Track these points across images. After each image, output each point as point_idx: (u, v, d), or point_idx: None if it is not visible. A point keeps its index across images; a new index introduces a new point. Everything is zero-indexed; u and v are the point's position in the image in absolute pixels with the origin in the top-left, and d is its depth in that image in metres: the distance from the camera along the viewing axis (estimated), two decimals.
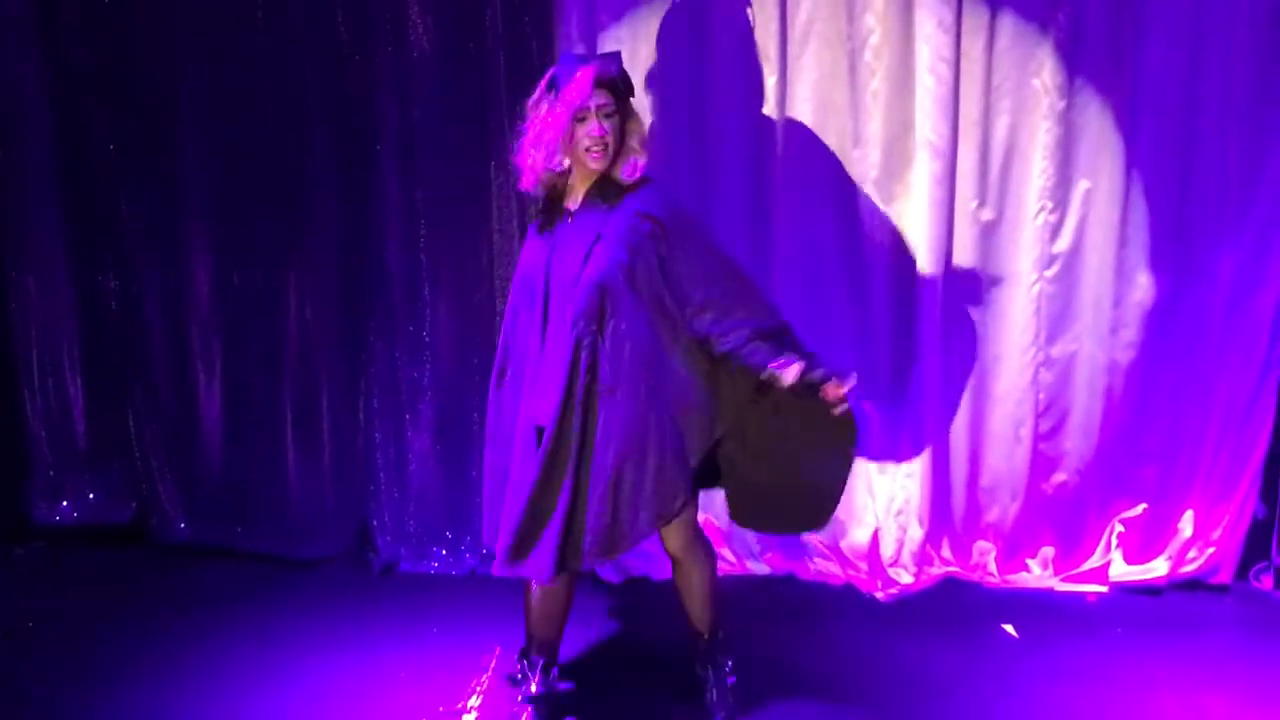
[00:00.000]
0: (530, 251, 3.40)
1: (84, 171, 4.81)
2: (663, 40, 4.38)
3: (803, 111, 4.43)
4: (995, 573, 4.65)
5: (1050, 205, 4.41)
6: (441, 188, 4.58)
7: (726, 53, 4.40)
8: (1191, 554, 4.60)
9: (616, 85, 3.28)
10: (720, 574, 4.35)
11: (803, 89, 4.41)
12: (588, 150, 3.24)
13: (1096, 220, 4.41)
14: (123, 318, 4.91)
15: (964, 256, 4.47)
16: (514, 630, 3.67)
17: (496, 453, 3.45)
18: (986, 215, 4.45)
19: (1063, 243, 4.44)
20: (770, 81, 4.39)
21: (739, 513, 3.57)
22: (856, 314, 4.56)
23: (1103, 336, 4.49)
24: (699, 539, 3.54)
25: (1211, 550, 4.58)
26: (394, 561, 4.82)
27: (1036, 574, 4.66)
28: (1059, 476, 4.63)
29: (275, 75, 4.58)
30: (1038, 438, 4.59)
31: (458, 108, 4.50)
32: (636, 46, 4.37)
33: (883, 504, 4.67)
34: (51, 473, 5.07)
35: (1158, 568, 4.61)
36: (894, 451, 4.63)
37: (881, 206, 4.45)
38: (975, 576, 4.66)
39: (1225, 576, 4.61)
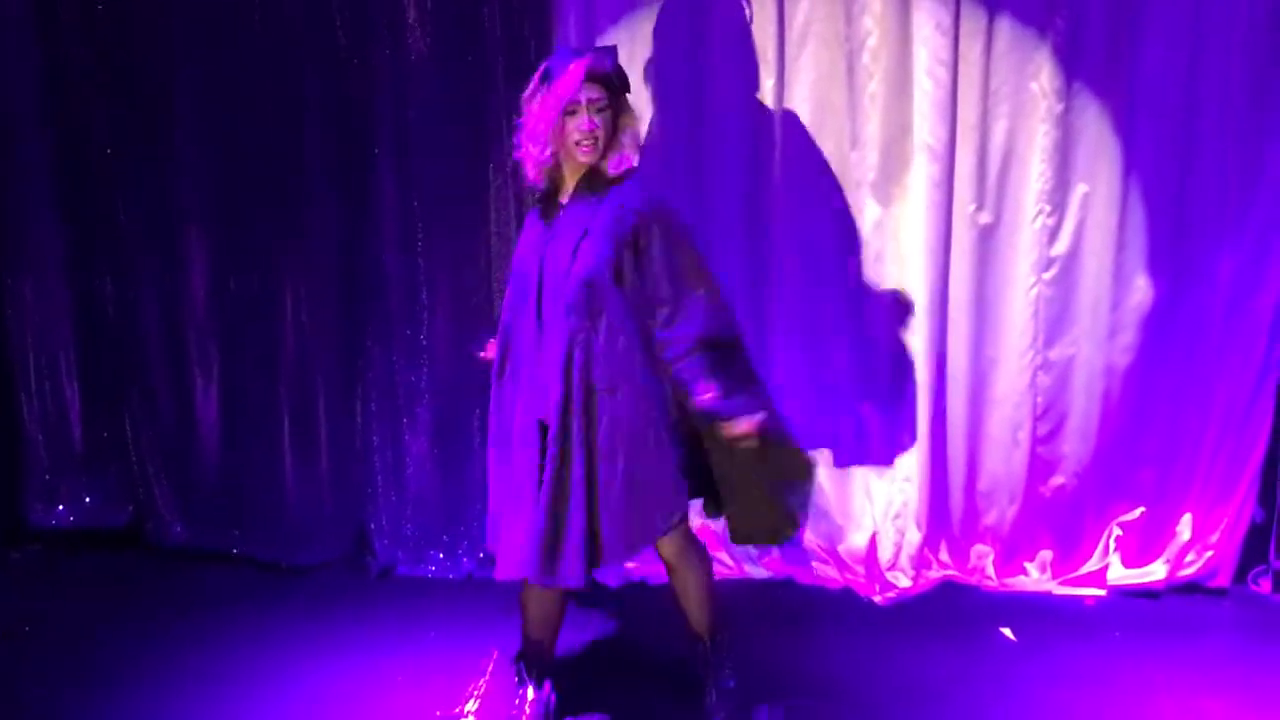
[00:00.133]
0: (525, 243, 3.39)
1: (81, 175, 4.80)
2: (661, 42, 4.38)
3: (800, 113, 4.43)
4: (993, 576, 4.65)
5: (1048, 208, 4.41)
6: (439, 191, 4.58)
7: (724, 54, 4.40)
8: (1189, 557, 4.60)
9: (610, 79, 3.26)
10: (718, 578, 4.34)
11: (800, 91, 4.42)
12: (577, 144, 3.24)
13: (1095, 224, 4.41)
14: (119, 321, 4.90)
15: (962, 260, 4.47)
16: (511, 634, 3.66)
17: (500, 450, 3.43)
18: (984, 218, 4.45)
19: (1061, 246, 4.44)
20: (768, 83, 4.39)
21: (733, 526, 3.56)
22: (854, 317, 4.56)
23: (1101, 340, 4.49)
24: (692, 543, 3.53)
25: (1210, 553, 4.58)
26: (391, 565, 4.82)
27: (1034, 577, 4.66)
28: (1057, 480, 4.62)
29: (273, 78, 4.58)
30: (1036, 441, 4.59)
31: (456, 110, 4.50)
32: (635, 48, 4.37)
33: (880, 508, 4.67)
34: (48, 476, 5.06)
35: (1156, 571, 4.60)
36: (892, 455, 4.63)
37: (879, 209, 4.45)
38: (973, 580, 4.66)
39: (1223, 580, 4.60)
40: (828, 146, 4.45)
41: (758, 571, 4.71)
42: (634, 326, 3.24)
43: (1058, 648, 4.13)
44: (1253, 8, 4.23)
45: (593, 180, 3.30)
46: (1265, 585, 4.61)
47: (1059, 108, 4.32)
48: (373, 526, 4.85)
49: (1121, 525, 4.62)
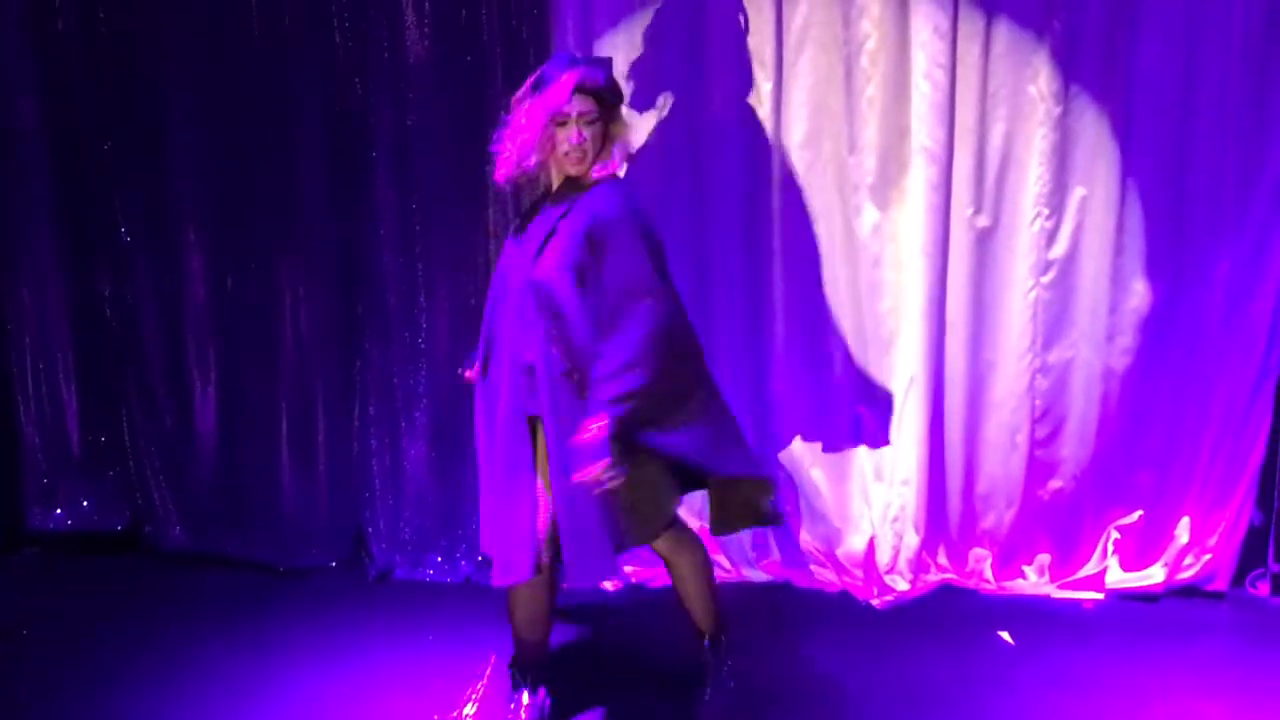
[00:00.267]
0: (508, 244, 3.41)
1: (79, 178, 4.80)
2: (659, 45, 4.38)
3: (798, 116, 4.43)
4: (991, 580, 4.65)
5: (1046, 212, 4.41)
6: (438, 193, 4.58)
7: (722, 57, 4.40)
8: (1188, 560, 4.59)
9: (602, 92, 3.25)
10: (718, 581, 4.35)
11: (798, 94, 4.42)
12: (566, 155, 3.24)
13: (1093, 227, 4.41)
14: (117, 325, 4.90)
15: (960, 263, 4.47)
16: (508, 638, 3.66)
17: (487, 450, 3.43)
18: (983, 222, 4.45)
19: (1059, 249, 4.44)
20: (766, 87, 4.39)
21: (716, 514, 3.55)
22: (853, 319, 4.56)
23: (1099, 343, 4.49)
24: (685, 533, 3.54)
25: (1208, 557, 4.58)
26: (389, 569, 4.81)
27: (1032, 581, 4.65)
28: (1055, 483, 4.62)
29: (271, 81, 4.58)
30: (1034, 444, 4.59)
31: (454, 114, 4.50)
32: (632, 52, 4.38)
33: (879, 511, 4.66)
34: (46, 479, 5.06)
35: (1154, 574, 4.60)
36: (890, 458, 4.62)
37: (877, 212, 4.45)
38: (971, 584, 4.65)
39: (1222, 583, 4.60)
40: (826, 149, 4.45)
41: (756, 575, 4.71)
42: (591, 331, 3.21)
43: (1056, 651, 4.13)
44: (1249, 10, 4.23)
45: (571, 183, 3.31)
46: (1263, 588, 4.60)
47: (1057, 111, 4.32)
48: (370, 530, 4.85)
49: (1120, 528, 4.62)
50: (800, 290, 4.53)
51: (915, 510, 4.62)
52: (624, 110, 3.39)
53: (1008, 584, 4.65)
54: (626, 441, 3.15)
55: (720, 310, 4.55)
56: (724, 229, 4.50)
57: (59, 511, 5.06)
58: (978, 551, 4.70)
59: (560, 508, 3.23)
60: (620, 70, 4.35)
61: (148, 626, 4.34)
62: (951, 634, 4.27)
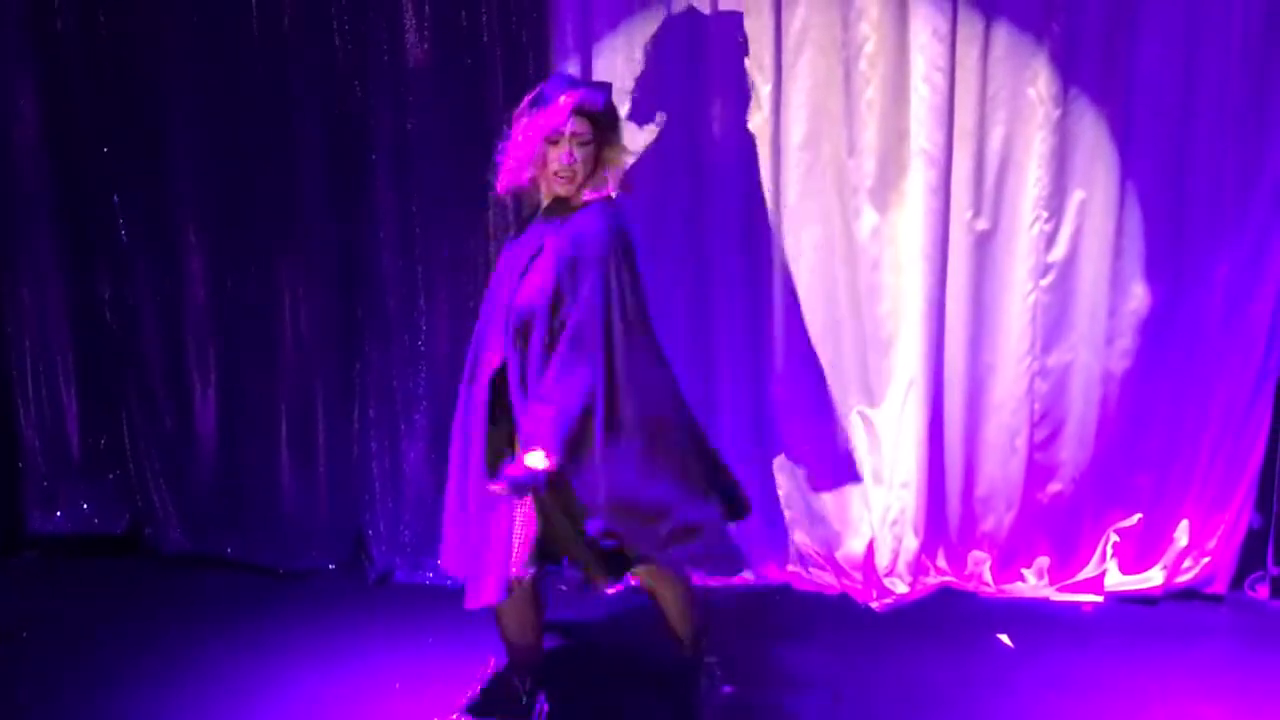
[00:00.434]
0: (501, 261, 3.45)
1: (78, 180, 4.80)
2: (658, 48, 4.38)
3: (797, 119, 4.43)
4: (991, 582, 4.65)
5: (1045, 215, 4.41)
6: (437, 195, 4.58)
7: (722, 60, 4.40)
8: (1187, 563, 4.59)
9: (599, 116, 3.28)
10: (716, 584, 4.36)
11: (797, 97, 4.42)
12: (555, 174, 3.27)
13: (1092, 230, 4.41)
14: (117, 327, 4.90)
15: (959, 266, 4.47)
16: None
17: (460, 459, 3.43)
18: (982, 225, 4.45)
19: (1058, 252, 4.44)
20: (765, 89, 4.39)
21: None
22: (852, 322, 4.56)
23: (1098, 346, 4.49)
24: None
25: (1207, 560, 4.57)
26: (389, 571, 4.81)
27: (1032, 584, 4.65)
28: (1054, 486, 4.62)
29: (271, 83, 4.58)
30: (1033, 447, 4.59)
31: (454, 116, 4.50)
32: (632, 55, 4.37)
33: (878, 514, 4.66)
34: (45, 482, 5.06)
35: (1153, 577, 4.60)
36: (889, 461, 4.62)
37: (876, 215, 4.45)
38: (970, 586, 4.65)
39: (1221, 586, 4.59)
40: (825, 152, 4.45)
41: (754, 578, 4.71)
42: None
43: (1055, 654, 4.13)
44: (1248, 11, 4.23)
45: (561, 203, 3.32)
46: (1263, 591, 4.60)
47: (1056, 114, 4.32)
48: (370, 532, 4.84)
49: (1119, 531, 4.62)
50: (799, 292, 4.52)
51: (915, 513, 4.62)
52: (623, 131, 3.43)
53: (1007, 587, 4.65)
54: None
55: (720, 311, 4.55)
56: (723, 230, 4.50)
57: (59, 514, 5.06)
58: (977, 554, 4.70)
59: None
60: (620, 72, 4.36)
61: (148, 629, 4.34)
62: (951, 636, 4.27)
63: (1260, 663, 4.07)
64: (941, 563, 4.70)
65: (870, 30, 4.33)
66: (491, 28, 4.45)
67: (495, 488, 3.16)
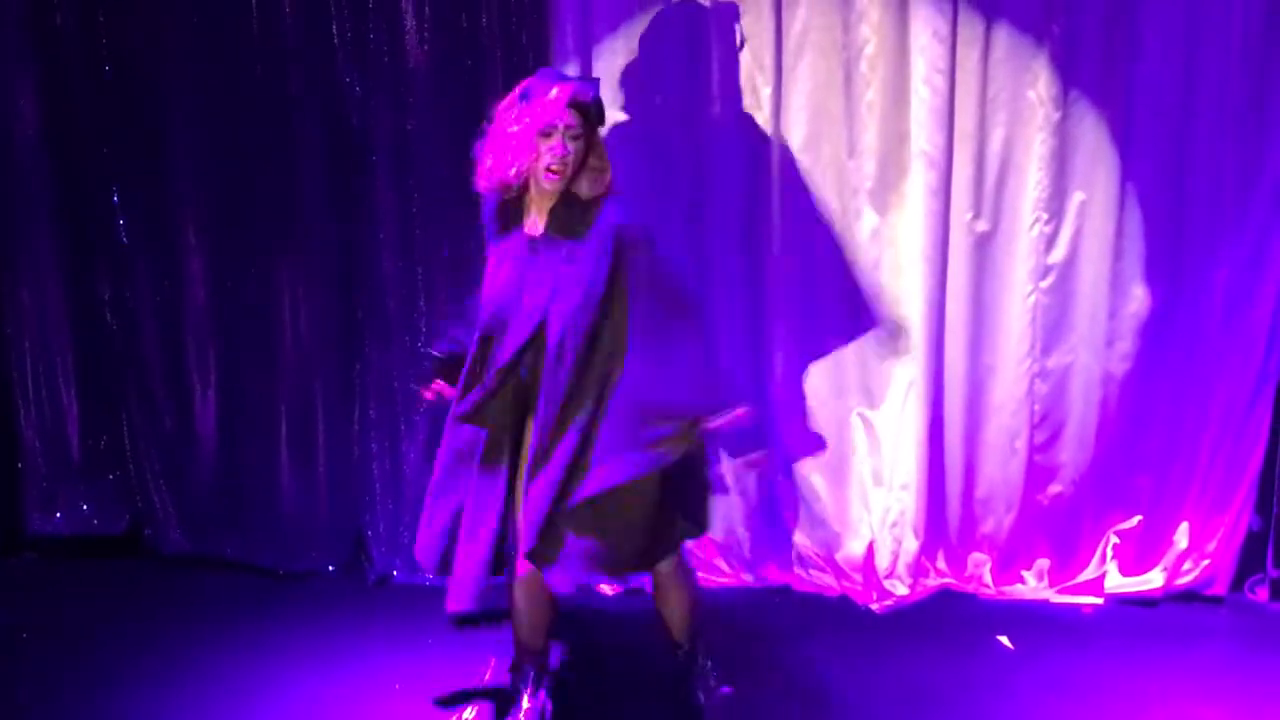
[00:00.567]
0: (502, 279, 3.37)
1: (78, 180, 4.80)
2: (658, 50, 4.38)
3: (798, 121, 4.43)
4: (990, 584, 4.65)
5: (1045, 217, 4.41)
6: (437, 196, 4.58)
7: (722, 62, 4.40)
8: (1187, 565, 4.59)
9: (589, 110, 3.25)
10: (716, 586, 4.36)
11: (798, 99, 4.42)
12: (547, 168, 3.22)
13: (1092, 232, 4.41)
14: (117, 328, 4.90)
15: (959, 267, 4.47)
16: (509, 642, 3.66)
17: (451, 453, 3.42)
18: (981, 226, 4.45)
19: (1058, 254, 4.44)
20: (765, 91, 4.39)
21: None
22: (852, 324, 4.56)
23: (1098, 348, 4.49)
24: (683, 560, 3.56)
25: (1207, 562, 4.58)
26: (388, 572, 4.82)
27: (1032, 585, 4.65)
28: (1054, 488, 4.62)
29: (271, 84, 4.58)
30: (1033, 449, 4.59)
31: (454, 117, 4.49)
32: (632, 55, 4.37)
33: (878, 516, 4.66)
34: (45, 484, 5.05)
35: (1153, 579, 4.60)
36: (889, 462, 4.62)
37: (876, 217, 4.45)
38: (970, 588, 4.65)
39: (1220, 588, 4.60)
40: (825, 154, 4.45)
41: (755, 579, 4.71)
42: (618, 352, 3.24)
43: (1055, 656, 4.13)
44: (1248, 12, 4.23)
45: (572, 206, 3.28)
46: (1262, 594, 4.60)
47: (1056, 116, 4.32)
48: (370, 533, 4.84)
49: (1119, 533, 4.62)
50: (799, 294, 4.52)
51: (914, 515, 4.62)
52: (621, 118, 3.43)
53: (1007, 589, 4.65)
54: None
55: (720, 311, 4.55)
56: (724, 232, 4.50)
57: (59, 515, 5.06)
58: (977, 556, 4.70)
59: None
60: (620, 73, 4.36)
61: (147, 630, 4.34)
62: (951, 638, 4.27)
63: (1260, 665, 4.07)
64: (941, 564, 4.70)
65: (871, 32, 4.33)
66: (491, 29, 4.45)
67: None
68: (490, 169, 3.27)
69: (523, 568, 3.34)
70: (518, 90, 3.27)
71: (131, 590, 4.73)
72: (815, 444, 4.63)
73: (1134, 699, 3.82)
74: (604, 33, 4.40)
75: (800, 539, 4.72)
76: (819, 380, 4.61)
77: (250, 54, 4.58)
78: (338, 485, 4.85)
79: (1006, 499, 4.64)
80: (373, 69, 4.52)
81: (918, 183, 4.38)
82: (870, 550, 4.66)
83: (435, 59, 4.48)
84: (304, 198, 4.65)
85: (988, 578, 4.66)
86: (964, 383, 4.57)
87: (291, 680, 3.95)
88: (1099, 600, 4.57)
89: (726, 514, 4.62)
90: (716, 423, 3.23)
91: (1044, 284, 4.46)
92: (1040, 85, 4.32)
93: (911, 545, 4.63)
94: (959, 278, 4.48)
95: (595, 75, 4.18)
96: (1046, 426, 4.58)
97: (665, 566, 3.46)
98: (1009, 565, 4.69)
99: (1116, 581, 4.60)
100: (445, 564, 3.43)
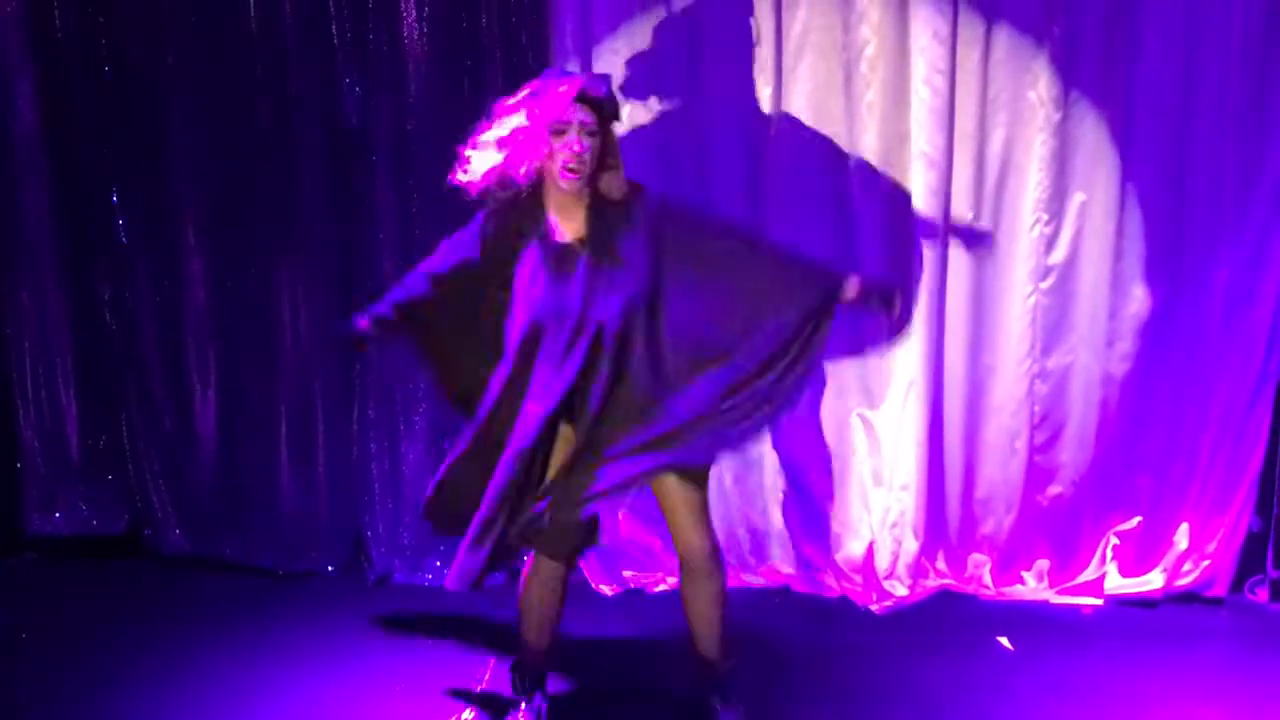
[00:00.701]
0: (541, 289, 3.22)
1: (78, 180, 4.80)
2: (658, 51, 4.38)
3: (798, 122, 4.42)
4: (990, 585, 4.65)
5: (1045, 217, 4.41)
6: (437, 196, 4.57)
7: (722, 63, 4.40)
8: (1187, 566, 4.59)
9: (602, 105, 3.16)
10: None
11: (798, 99, 4.41)
12: (564, 165, 3.13)
13: (1092, 232, 4.41)
14: (117, 328, 4.90)
15: (959, 268, 4.47)
16: (508, 642, 3.67)
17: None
18: (982, 227, 4.45)
19: (1058, 255, 4.44)
20: (765, 92, 4.39)
21: None
22: (852, 325, 4.55)
23: (1098, 348, 4.49)
24: (719, 549, 3.41)
25: (1207, 563, 4.57)
26: (388, 573, 4.82)
27: (1031, 586, 4.65)
28: (1054, 489, 4.62)
29: (271, 84, 4.58)
30: (1033, 450, 4.59)
31: (453, 119, 4.47)
32: (632, 57, 4.37)
33: (878, 517, 4.66)
34: (45, 484, 5.05)
35: (1153, 580, 4.60)
36: (889, 463, 4.62)
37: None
38: (970, 589, 4.66)
39: (1220, 589, 4.60)
40: (825, 155, 4.44)
41: (754, 579, 4.71)
42: (669, 342, 3.23)
43: (1055, 657, 4.13)
44: (1248, 12, 4.23)
45: (603, 210, 3.21)
46: (1262, 594, 4.60)
47: (1056, 117, 4.32)
48: (370, 534, 4.84)
49: (1119, 534, 4.62)
50: None
51: (914, 515, 4.62)
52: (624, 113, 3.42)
53: (1007, 589, 4.65)
54: None
55: None
56: None
57: (58, 516, 5.06)
58: (977, 557, 4.70)
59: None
60: (620, 74, 4.35)
61: (147, 630, 4.34)
62: (950, 639, 4.27)
63: (1260, 666, 4.07)
64: (941, 565, 4.70)
65: (871, 33, 4.33)
66: (491, 29, 4.45)
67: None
68: (492, 166, 3.18)
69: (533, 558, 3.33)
70: (521, 89, 3.18)
71: (131, 590, 4.74)
72: (815, 444, 4.63)
73: (1134, 700, 3.82)
74: (604, 33, 4.40)
75: (800, 539, 4.72)
76: (818, 380, 4.60)
77: (250, 54, 4.58)
78: (337, 485, 4.85)
79: (1006, 499, 4.64)
80: (373, 69, 4.52)
81: (918, 183, 4.38)
82: (870, 551, 4.66)
83: (435, 59, 4.48)
84: (304, 198, 4.65)
85: (987, 578, 4.66)
86: (964, 383, 4.57)
87: (291, 680, 3.95)
88: (1099, 601, 4.57)
89: (726, 514, 4.62)
90: (854, 289, 3.28)
91: (1044, 284, 4.46)
92: (1040, 86, 4.32)
93: (911, 546, 4.63)
94: (959, 278, 4.48)
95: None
96: (1046, 427, 4.58)
97: (704, 543, 3.32)
98: (1009, 566, 4.69)
99: (1116, 582, 4.60)
100: (454, 522, 3.36)
